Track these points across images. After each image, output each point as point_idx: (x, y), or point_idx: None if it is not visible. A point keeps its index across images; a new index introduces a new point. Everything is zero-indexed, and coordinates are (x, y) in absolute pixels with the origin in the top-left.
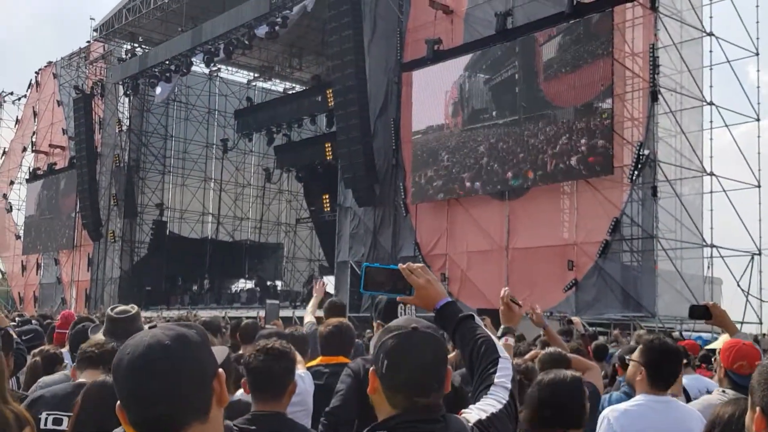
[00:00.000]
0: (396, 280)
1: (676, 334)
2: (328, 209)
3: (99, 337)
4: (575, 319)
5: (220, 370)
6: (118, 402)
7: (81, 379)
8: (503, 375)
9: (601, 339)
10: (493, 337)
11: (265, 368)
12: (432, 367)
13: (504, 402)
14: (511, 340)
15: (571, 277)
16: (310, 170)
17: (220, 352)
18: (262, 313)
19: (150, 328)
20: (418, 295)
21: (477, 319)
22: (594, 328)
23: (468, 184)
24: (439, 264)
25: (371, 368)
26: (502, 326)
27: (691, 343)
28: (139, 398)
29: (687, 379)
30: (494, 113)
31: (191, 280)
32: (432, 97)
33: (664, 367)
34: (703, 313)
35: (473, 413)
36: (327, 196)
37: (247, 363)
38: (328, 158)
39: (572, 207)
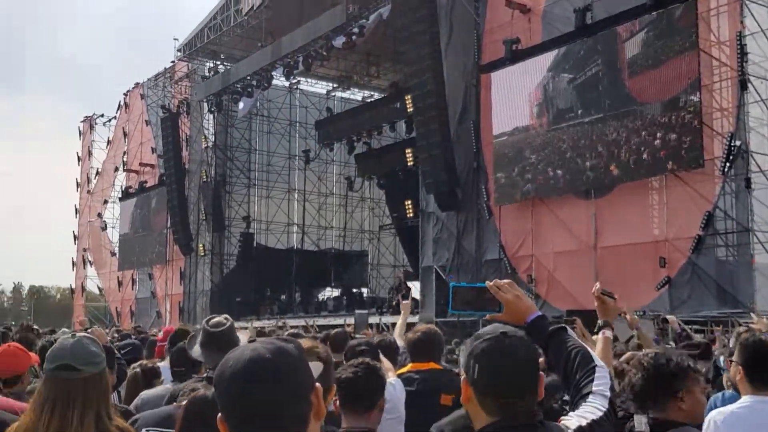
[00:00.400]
0: (484, 297)
1: None
2: (411, 215)
3: (196, 349)
4: (671, 318)
5: (317, 383)
6: (219, 414)
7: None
8: (601, 383)
9: (698, 337)
10: (588, 347)
11: (354, 384)
12: (523, 368)
13: (604, 410)
14: (609, 333)
15: (663, 274)
16: (391, 177)
17: (315, 368)
18: (349, 321)
19: (250, 341)
20: (507, 310)
21: (569, 330)
22: (690, 327)
23: (551, 173)
24: (525, 266)
25: (463, 377)
26: (599, 321)
27: None
28: (240, 410)
29: None
30: (579, 112)
31: (279, 290)
32: (514, 98)
33: (762, 365)
34: None
35: (573, 420)
36: (409, 202)
37: (338, 379)
38: (408, 164)
39: (661, 202)
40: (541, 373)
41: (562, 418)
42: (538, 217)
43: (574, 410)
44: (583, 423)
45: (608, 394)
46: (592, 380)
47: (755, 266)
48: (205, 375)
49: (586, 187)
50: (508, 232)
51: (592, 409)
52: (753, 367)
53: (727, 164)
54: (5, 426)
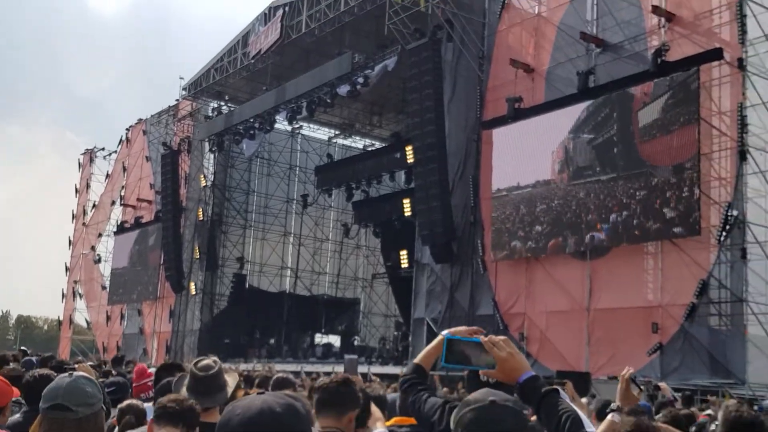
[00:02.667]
0: (478, 353)
1: (766, 402)
2: (405, 265)
3: (183, 392)
4: (662, 385)
5: None
6: None
7: None
8: None
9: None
10: (579, 412)
11: (331, 389)
12: None
13: None
14: (617, 418)
15: (655, 340)
16: (387, 226)
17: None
18: (338, 368)
19: (259, 394)
20: (500, 368)
21: (562, 393)
22: (680, 393)
23: (549, 232)
24: (518, 323)
25: None
26: (614, 403)
27: None
28: None
29: None
30: (597, 169)
31: (269, 333)
32: (521, 155)
33: None
34: None
35: None
36: (404, 252)
37: (317, 386)
38: (406, 214)
39: (656, 268)
40: None
41: None
42: (532, 275)
43: None
44: None
45: None
46: None
47: (748, 337)
48: None
49: (583, 247)
50: (503, 288)
51: None
52: None
53: (724, 233)
54: None
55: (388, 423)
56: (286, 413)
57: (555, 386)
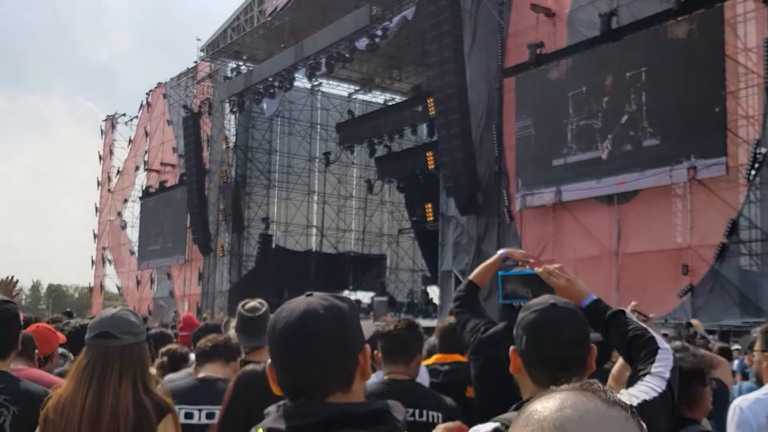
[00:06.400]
0: (535, 284)
1: None
2: (431, 219)
3: (231, 333)
4: (695, 321)
5: (366, 344)
6: (269, 361)
7: (202, 374)
8: (661, 365)
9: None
10: (651, 330)
11: (398, 335)
12: (572, 342)
13: (659, 390)
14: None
15: (686, 282)
16: (411, 180)
17: (367, 327)
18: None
19: (307, 296)
20: (560, 296)
21: (628, 312)
22: (712, 336)
23: (575, 177)
24: None
25: (512, 347)
26: None
27: None
28: (288, 361)
29: None
30: (608, 116)
31: (297, 291)
32: (544, 100)
33: None
34: None
35: (624, 397)
36: (429, 206)
37: (383, 332)
38: (429, 167)
39: (685, 209)
40: (592, 345)
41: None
42: (559, 222)
43: (628, 388)
44: (634, 402)
45: (668, 376)
46: (652, 362)
47: None
48: (241, 359)
49: (610, 192)
50: (530, 237)
51: (646, 388)
52: None
53: (753, 172)
54: (37, 397)
55: (429, 361)
56: (328, 314)
57: (620, 308)
